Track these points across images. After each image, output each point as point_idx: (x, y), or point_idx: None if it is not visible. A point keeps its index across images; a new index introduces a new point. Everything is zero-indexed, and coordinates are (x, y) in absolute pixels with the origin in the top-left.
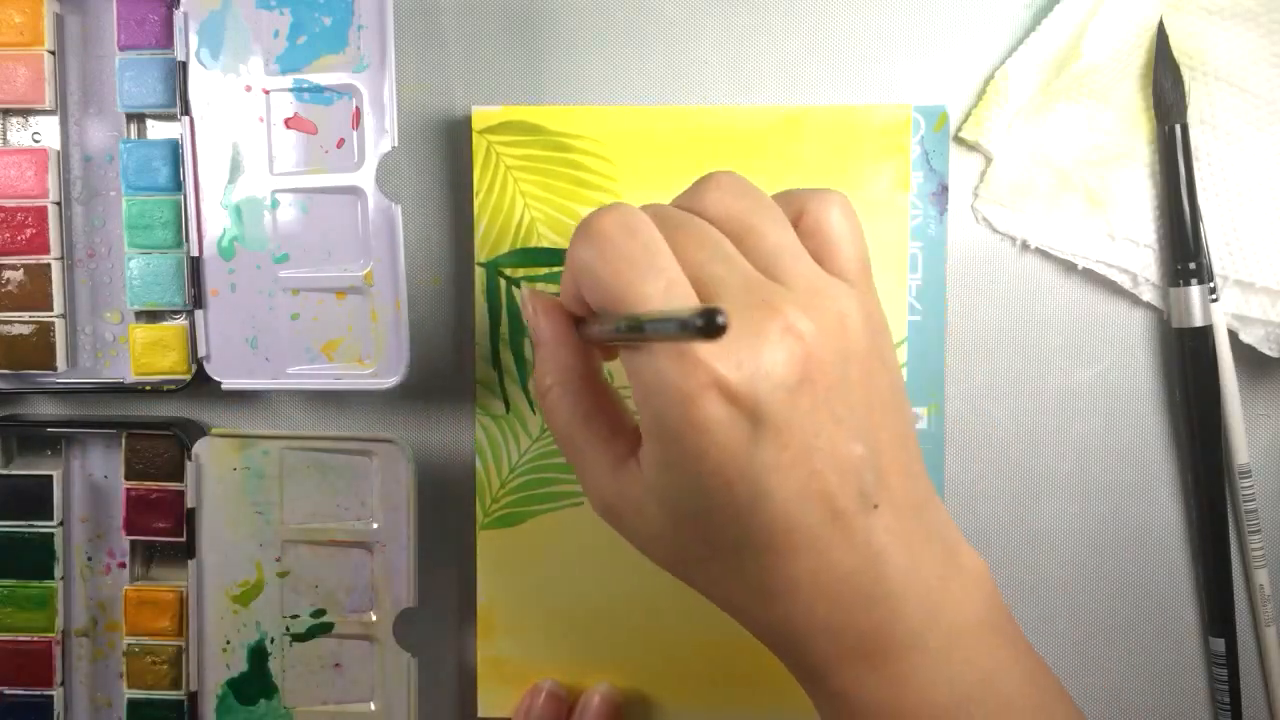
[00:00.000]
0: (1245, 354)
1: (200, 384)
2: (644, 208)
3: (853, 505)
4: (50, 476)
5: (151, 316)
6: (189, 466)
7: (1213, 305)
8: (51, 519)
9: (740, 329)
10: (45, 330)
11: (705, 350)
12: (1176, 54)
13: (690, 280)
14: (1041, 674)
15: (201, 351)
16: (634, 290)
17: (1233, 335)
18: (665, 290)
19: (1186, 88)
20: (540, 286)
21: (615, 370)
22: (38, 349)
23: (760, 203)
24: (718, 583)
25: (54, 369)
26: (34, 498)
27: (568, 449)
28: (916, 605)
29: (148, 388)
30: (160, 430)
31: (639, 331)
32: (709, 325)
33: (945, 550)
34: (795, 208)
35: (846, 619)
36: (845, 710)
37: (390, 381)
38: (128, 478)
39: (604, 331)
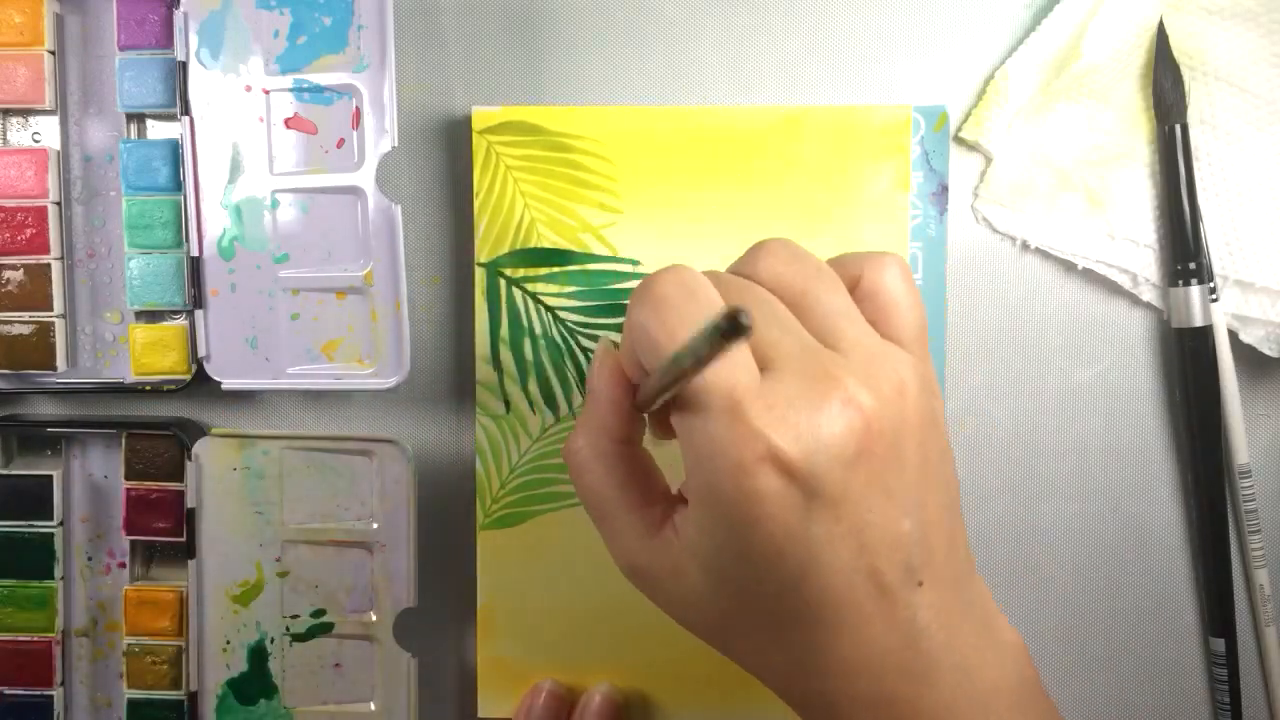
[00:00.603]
0: (1245, 354)
1: (200, 384)
2: (703, 273)
3: (898, 581)
4: (50, 476)
5: (151, 316)
6: (189, 466)
7: (1213, 305)
8: (51, 519)
9: (799, 399)
10: (45, 330)
11: (762, 419)
12: (1176, 54)
13: (749, 347)
14: None
15: (201, 351)
16: None
17: (1233, 335)
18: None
19: (1186, 88)
20: (611, 337)
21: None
22: (38, 349)
23: (814, 267)
24: (757, 652)
25: (54, 369)
26: (34, 498)
27: (596, 512)
28: (953, 681)
29: (148, 388)
30: (160, 430)
31: (678, 365)
32: (734, 325)
33: (983, 624)
34: (852, 271)
35: (886, 694)
36: None
37: (390, 381)
38: (128, 478)
39: (649, 387)
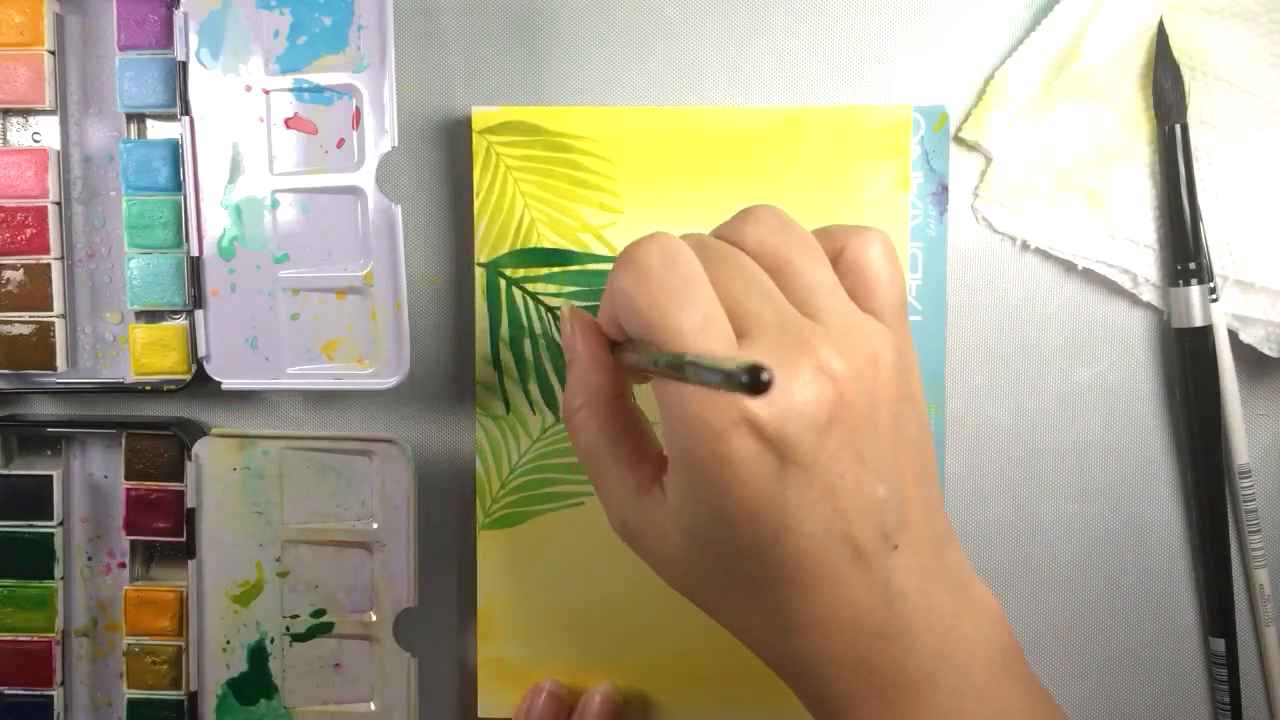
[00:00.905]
0: (1245, 354)
1: (200, 384)
2: (684, 237)
3: (873, 545)
4: (50, 476)
5: (151, 316)
6: (189, 466)
7: (1213, 305)
8: (51, 519)
9: (774, 366)
10: (45, 330)
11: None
12: (1176, 54)
13: (727, 313)
14: (1050, 713)
15: (201, 351)
16: (671, 321)
17: (1233, 335)
18: (702, 323)
19: (1186, 88)
20: (577, 304)
21: (642, 393)
22: (38, 349)
23: (798, 238)
24: (736, 612)
25: (54, 369)
26: (34, 498)
27: (592, 469)
28: (930, 643)
29: (148, 388)
30: (160, 430)
31: (679, 371)
32: (754, 382)
33: (960, 589)
34: (836, 244)
35: (862, 655)
36: None
37: (390, 381)
38: (128, 478)
39: (640, 361)
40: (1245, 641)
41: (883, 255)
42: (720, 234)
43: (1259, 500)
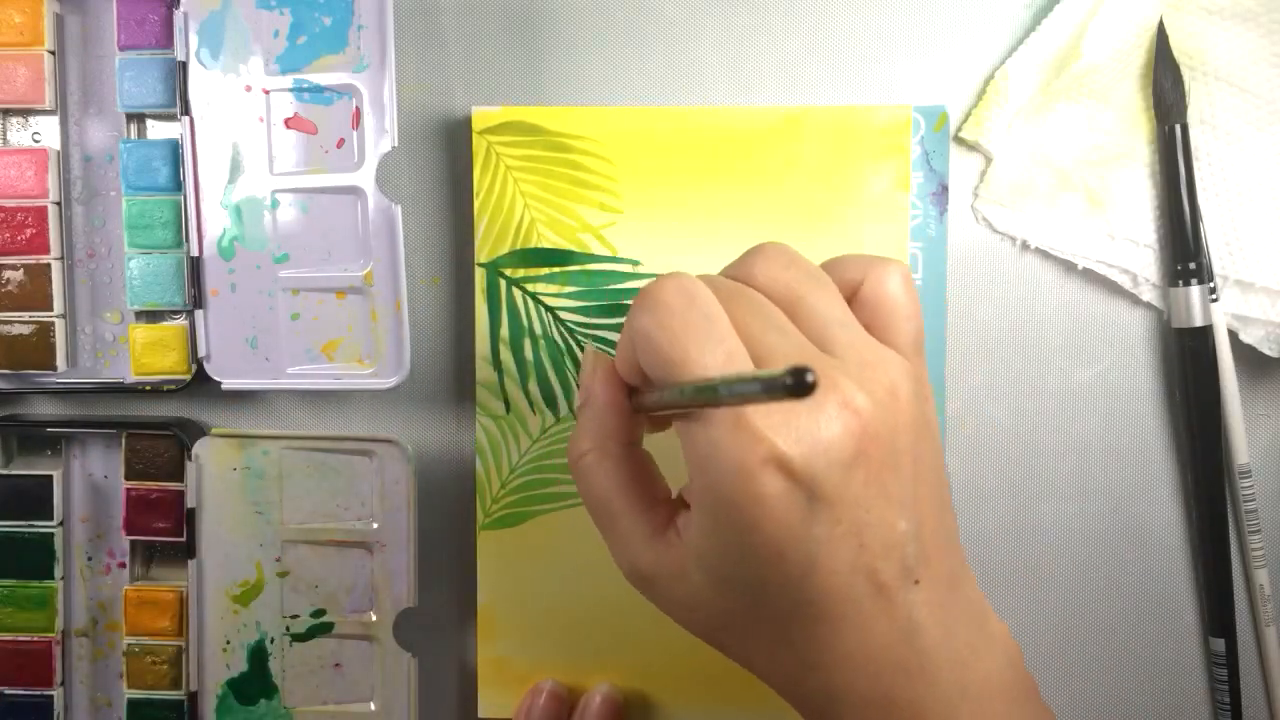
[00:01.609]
0: (1245, 354)
1: (200, 384)
2: (699, 278)
3: (896, 581)
4: (50, 476)
5: (151, 316)
6: (189, 466)
7: (1213, 305)
8: (51, 519)
9: (798, 403)
10: (45, 330)
11: (763, 423)
12: (1176, 54)
13: (747, 351)
14: None
15: (201, 351)
16: (694, 359)
17: (1233, 335)
18: (725, 360)
19: (1186, 88)
20: (601, 349)
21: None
22: (38, 349)
23: (808, 272)
24: (758, 650)
25: (54, 369)
26: (34, 498)
27: (601, 515)
28: (950, 678)
29: (148, 388)
30: (160, 430)
31: (711, 394)
32: (799, 384)
33: (977, 624)
34: (853, 275)
35: (885, 690)
36: None
37: (390, 381)
38: (128, 478)
39: (664, 399)
40: (1245, 641)
41: (902, 288)
42: (729, 273)
43: (1259, 500)
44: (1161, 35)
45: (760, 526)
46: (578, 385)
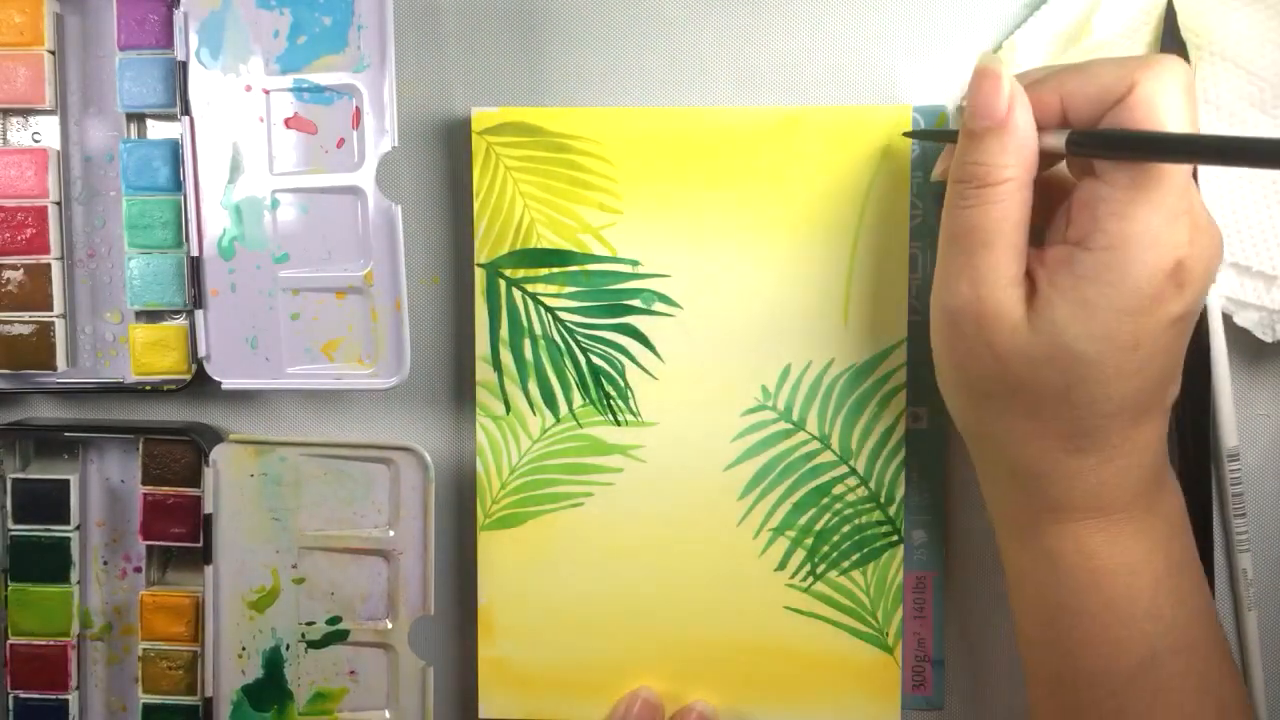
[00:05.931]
0: (1238, 338)
1: (200, 384)
2: None
3: (1171, 398)
4: (67, 481)
5: (151, 316)
6: (206, 472)
7: None
8: (68, 523)
9: (1210, 223)
10: (45, 330)
11: (1176, 229)
12: (1184, 32)
13: None
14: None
15: (201, 351)
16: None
17: (1227, 319)
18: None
19: (1193, 67)
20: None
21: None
22: (38, 349)
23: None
24: (1026, 420)
25: (54, 369)
26: (51, 502)
27: (975, 245)
28: (1176, 502)
29: (148, 388)
30: (178, 435)
31: (1223, 155)
32: None
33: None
34: (1122, 79)
35: (1133, 483)
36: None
37: (390, 381)
38: (145, 482)
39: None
40: (1227, 626)
41: (1183, 95)
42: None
43: (1246, 484)
44: (1170, 13)
45: (1143, 311)
46: (973, 106)
